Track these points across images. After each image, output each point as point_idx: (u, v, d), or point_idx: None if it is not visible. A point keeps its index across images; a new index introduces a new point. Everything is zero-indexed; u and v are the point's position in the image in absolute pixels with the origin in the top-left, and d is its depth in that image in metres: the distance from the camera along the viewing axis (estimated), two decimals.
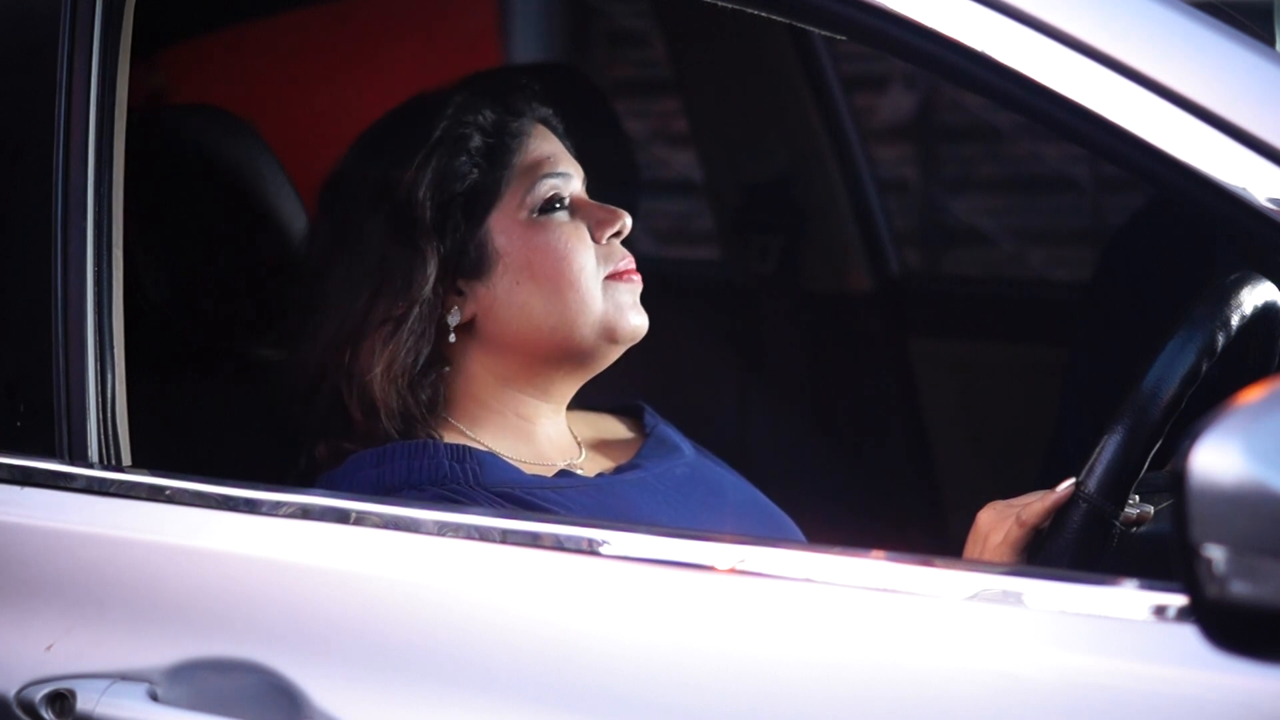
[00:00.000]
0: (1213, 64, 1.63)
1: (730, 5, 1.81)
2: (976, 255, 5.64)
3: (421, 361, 2.09)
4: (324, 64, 4.43)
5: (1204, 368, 1.84)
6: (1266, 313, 1.91)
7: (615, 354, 2.15)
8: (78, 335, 1.94)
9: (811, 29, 1.89)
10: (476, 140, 2.13)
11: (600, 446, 2.22)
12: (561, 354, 2.12)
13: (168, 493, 1.89)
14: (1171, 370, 1.83)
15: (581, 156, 2.21)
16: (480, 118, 2.14)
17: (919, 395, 3.47)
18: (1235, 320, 1.87)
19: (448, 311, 2.11)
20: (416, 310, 2.09)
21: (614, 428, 2.28)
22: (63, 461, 1.93)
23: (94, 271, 1.96)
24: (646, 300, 2.17)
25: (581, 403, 2.23)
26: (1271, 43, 2.08)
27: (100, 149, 1.97)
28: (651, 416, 2.28)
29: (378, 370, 2.07)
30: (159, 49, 3.54)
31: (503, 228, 2.12)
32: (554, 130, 2.21)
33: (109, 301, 1.96)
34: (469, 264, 2.11)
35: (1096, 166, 5.22)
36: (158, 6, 2.09)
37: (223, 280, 2.31)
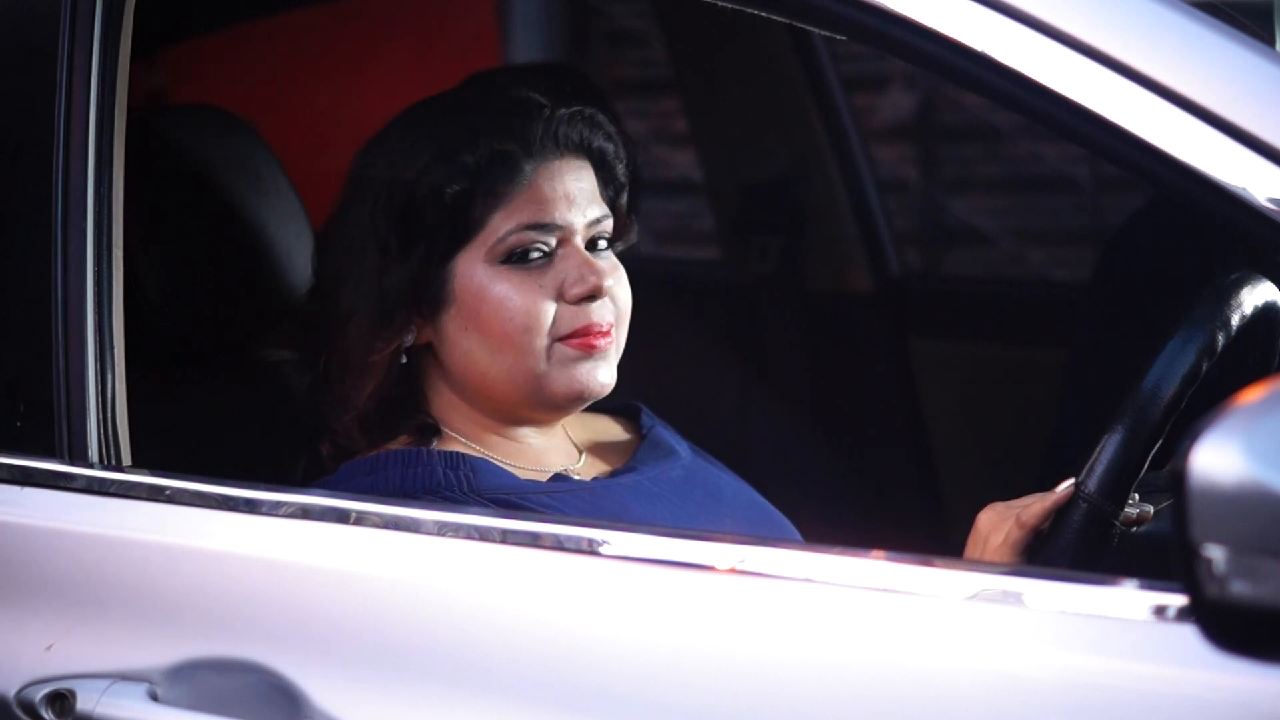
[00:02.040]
0: (1213, 64, 1.63)
1: (730, 5, 1.81)
2: (976, 255, 5.64)
3: (388, 368, 2.08)
4: (324, 64, 4.43)
5: (1204, 368, 1.84)
6: (1266, 313, 1.91)
7: (570, 409, 2.12)
8: (78, 335, 1.94)
9: (811, 29, 1.89)
10: (456, 187, 2.05)
11: (596, 449, 2.22)
12: (510, 402, 2.10)
13: (168, 493, 1.89)
14: (1171, 370, 1.83)
15: None
16: (471, 157, 2.06)
17: (919, 395, 3.47)
18: (1235, 320, 1.87)
19: (407, 331, 2.09)
20: (377, 318, 2.07)
21: (610, 429, 2.26)
22: (63, 461, 1.93)
23: (94, 271, 1.96)
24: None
25: None
26: (1271, 43, 2.07)
27: (100, 149, 1.97)
28: (648, 417, 2.27)
29: (342, 363, 2.09)
30: (159, 49, 3.54)
31: (465, 270, 2.07)
32: (593, 159, 2.12)
33: (109, 301, 1.96)
34: (429, 296, 2.08)
35: (1096, 166, 5.22)
36: (158, 6, 2.09)
37: (223, 280, 2.31)
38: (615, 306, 2.10)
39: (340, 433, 2.10)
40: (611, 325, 2.09)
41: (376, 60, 4.34)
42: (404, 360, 2.10)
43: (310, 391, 2.14)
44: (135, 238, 2.05)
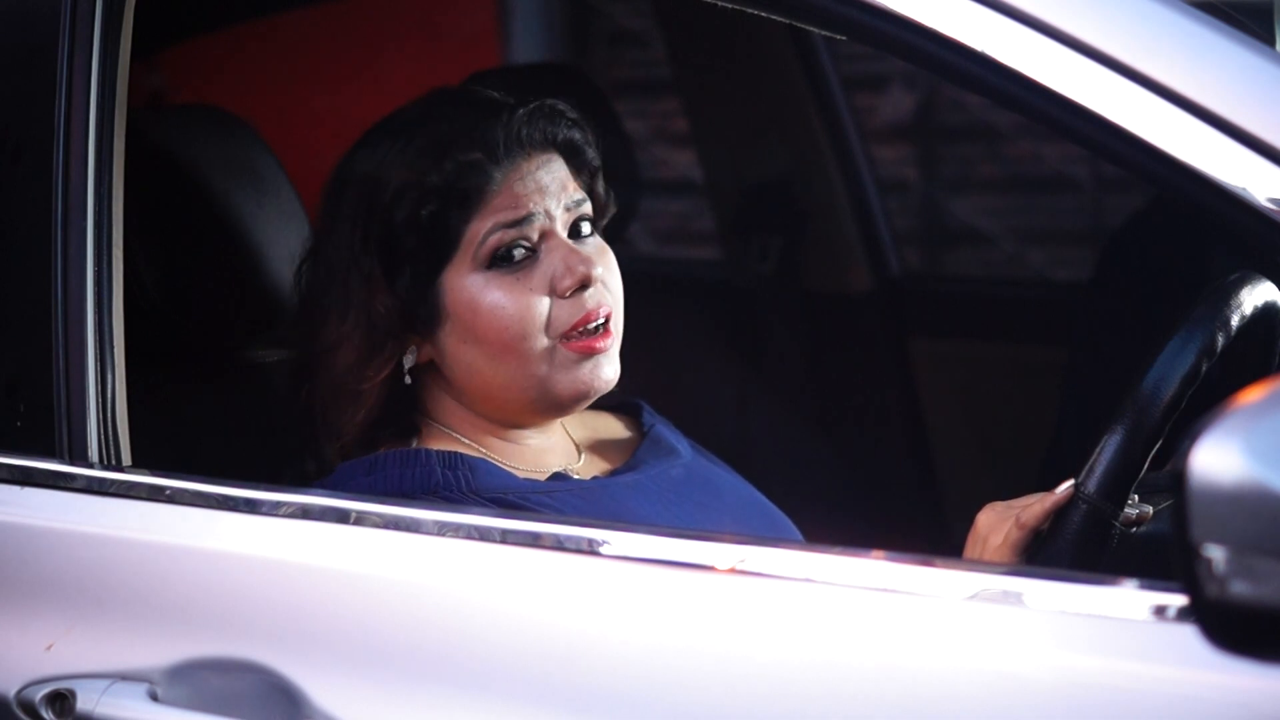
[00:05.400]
0: (1213, 64, 1.63)
1: (730, 5, 1.81)
2: (976, 255, 5.64)
3: (379, 392, 2.08)
4: (324, 64, 4.44)
5: (1204, 368, 1.84)
6: (1266, 313, 1.91)
7: (576, 407, 2.11)
8: (78, 335, 1.95)
9: (811, 29, 1.89)
10: (430, 208, 2.04)
11: (596, 448, 2.21)
12: (517, 407, 2.10)
13: (168, 493, 1.89)
14: (1171, 370, 1.83)
15: None
16: (440, 175, 2.04)
17: (919, 395, 3.47)
18: (1235, 320, 1.87)
19: (405, 351, 2.09)
20: (367, 347, 2.07)
21: (611, 427, 2.26)
22: (63, 461, 1.93)
23: (94, 271, 1.96)
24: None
25: None
26: (1271, 43, 2.08)
27: (100, 149, 1.97)
28: (649, 415, 2.26)
29: (330, 392, 2.08)
30: (159, 49, 3.54)
31: (454, 284, 2.06)
32: (561, 151, 2.11)
33: (109, 301, 1.96)
34: (423, 316, 2.07)
35: (1096, 166, 5.23)
36: (158, 6, 2.09)
37: (222, 280, 2.31)
38: (609, 293, 2.09)
39: (328, 458, 2.10)
40: (609, 314, 2.07)
41: (376, 60, 4.34)
42: (408, 381, 2.10)
43: (298, 422, 2.14)
44: (135, 238, 2.05)
